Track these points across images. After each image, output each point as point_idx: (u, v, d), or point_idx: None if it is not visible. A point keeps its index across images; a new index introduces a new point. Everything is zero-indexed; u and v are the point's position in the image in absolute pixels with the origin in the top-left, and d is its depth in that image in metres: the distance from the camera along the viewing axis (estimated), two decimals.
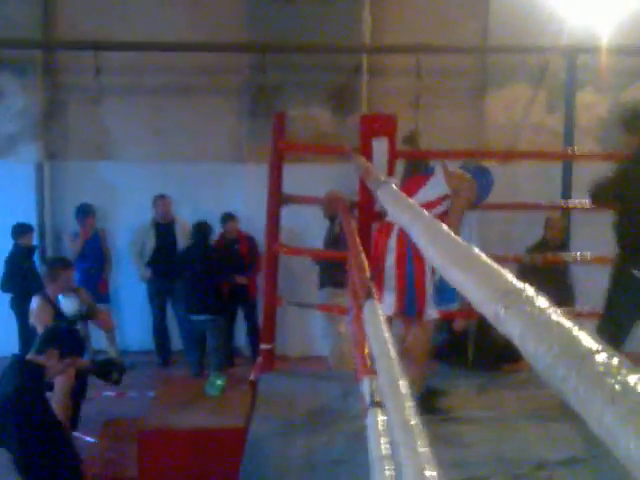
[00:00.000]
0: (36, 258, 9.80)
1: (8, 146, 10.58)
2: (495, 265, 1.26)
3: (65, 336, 4.84)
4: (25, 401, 4.49)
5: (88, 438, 6.35)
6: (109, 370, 5.66)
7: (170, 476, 4.95)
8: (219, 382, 5.62)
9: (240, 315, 10.16)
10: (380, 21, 10.49)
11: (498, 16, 10.39)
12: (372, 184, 3.69)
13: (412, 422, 1.57)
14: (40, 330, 6.18)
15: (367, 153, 5.43)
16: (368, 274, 3.23)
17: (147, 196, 10.15)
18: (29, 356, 4.69)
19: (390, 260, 4.63)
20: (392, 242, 4.64)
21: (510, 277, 1.17)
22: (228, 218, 9.92)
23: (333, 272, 7.41)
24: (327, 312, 7.41)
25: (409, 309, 4.66)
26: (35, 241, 9.88)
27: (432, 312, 4.74)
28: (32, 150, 10.62)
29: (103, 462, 5.42)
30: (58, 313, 6.35)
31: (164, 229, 10.11)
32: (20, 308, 8.41)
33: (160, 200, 10.11)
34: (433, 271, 4.51)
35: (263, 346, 5.85)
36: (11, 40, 10.22)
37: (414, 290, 4.62)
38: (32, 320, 6.43)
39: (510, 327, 1.05)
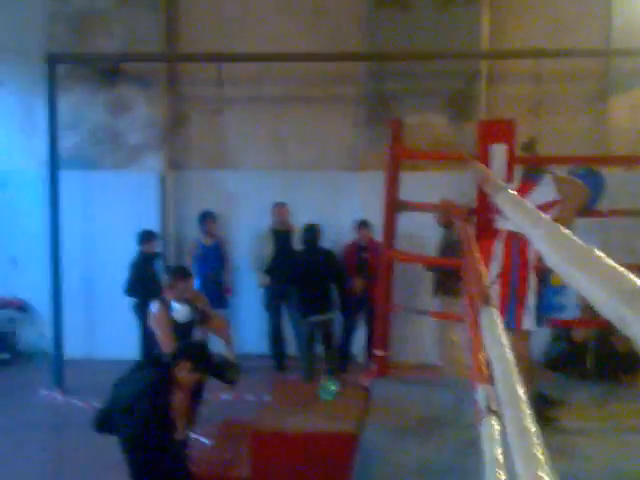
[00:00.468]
0: (159, 265, 10.08)
1: (133, 156, 10.93)
2: (620, 267, 1.23)
3: (198, 351, 4.96)
4: (150, 402, 4.61)
5: (204, 439, 6.48)
6: (225, 371, 5.76)
7: (282, 478, 5.00)
8: (333, 387, 5.65)
9: (360, 322, 10.17)
10: (499, 26, 10.36)
11: (621, 18, 10.10)
12: (491, 190, 3.64)
13: (530, 430, 1.54)
14: (158, 334, 6.35)
15: (485, 159, 5.36)
16: (486, 281, 3.19)
17: (266, 204, 10.32)
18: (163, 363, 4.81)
19: (494, 268, 4.55)
20: (498, 249, 4.56)
21: (636, 279, 1.13)
22: (361, 225, 9.98)
23: (447, 280, 7.34)
24: (441, 319, 7.34)
25: (508, 318, 4.57)
26: (158, 248, 10.17)
27: (530, 323, 4.62)
28: (156, 160, 10.95)
29: (218, 463, 5.51)
30: (175, 319, 6.50)
31: (282, 236, 10.24)
32: (142, 313, 8.65)
33: (278, 207, 10.26)
34: (538, 281, 4.40)
35: (376, 352, 5.84)
36: (136, 54, 10.57)
37: (515, 299, 4.53)
38: (150, 324, 6.60)
39: (637, 330, 1.02)
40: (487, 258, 4.62)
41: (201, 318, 6.57)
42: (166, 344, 6.32)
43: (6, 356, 10.75)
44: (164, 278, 6.69)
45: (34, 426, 8.52)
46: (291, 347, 10.29)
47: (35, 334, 10.98)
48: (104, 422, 4.85)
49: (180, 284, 6.46)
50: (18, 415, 8.82)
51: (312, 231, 9.31)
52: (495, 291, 4.55)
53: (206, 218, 10.37)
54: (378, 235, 7.63)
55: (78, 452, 7.49)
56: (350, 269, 9.82)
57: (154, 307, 6.50)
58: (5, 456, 7.68)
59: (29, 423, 8.59)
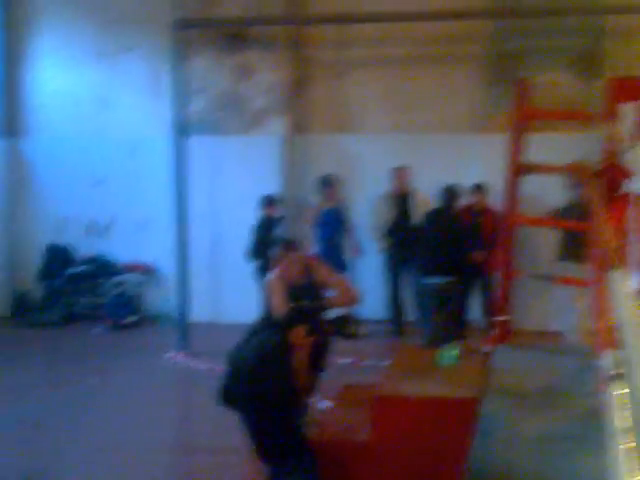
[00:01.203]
0: (281, 229, 10.17)
1: (257, 120, 11.05)
2: None
3: (311, 315, 4.98)
4: (270, 365, 4.65)
5: (324, 403, 6.53)
6: (345, 325, 5.76)
7: (402, 442, 4.97)
8: (453, 352, 5.57)
9: (476, 288, 10.02)
10: None
11: None
12: (620, 149, 3.48)
13: None
14: (274, 302, 6.39)
15: (613, 118, 5.14)
16: (615, 245, 3.06)
17: (386, 168, 10.24)
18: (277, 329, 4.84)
19: (625, 231, 4.36)
20: (628, 212, 4.37)
21: None
22: (476, 189, 9.80)
23: (573, 244, 7.12)
24: (566, 285, 7.12)
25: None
26: (280, 212, 10.25)
27: None
28: (279, 124, 11.03)
29: (338, 426, 5.54)
30: (292, 287, 6.51)
31: (402, 200, 10.16)
32: (263, 277, 8.76)
33: (399, 171, 10.17)
34: None
35: (497, 318, 5.74)
36: (261, 18, 10.64)
37: None
38: (268, 290, 6.65)
39: None
40: (616, 221, 4.44)
41: (320, 284, 6.54)
42: (280, 310, 6.35)
43: (134, 318, 11.12)
44: (273, 251, 6.68)
45: (159, 387, 8.79)
46: (411, 312, 10.23)
47: (161, 297, 11.30)
48: (229, 396, 4.91)
49: (288, 255, 6.45)
50: (144, 376, 9.12)
51: (450, 192, 9.16)
52: (625, 255, 4.37)
53: (327, 182, 10.38)
54: (498, 199, 7.45)
55: (202, 413, 7.67)
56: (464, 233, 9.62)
57: (271, 274, 6.56)
58: (131, 416, 7.95)
59: (155, 384, 8.86)
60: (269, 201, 9.96)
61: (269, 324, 5.01)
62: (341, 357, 8.71)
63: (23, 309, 11.52)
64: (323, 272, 6.54)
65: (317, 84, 11.01)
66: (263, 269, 9.09)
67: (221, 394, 4.95)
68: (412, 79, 10.65)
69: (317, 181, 10.44)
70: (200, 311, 10.49)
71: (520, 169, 6.04)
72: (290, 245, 6.59)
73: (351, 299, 6.36)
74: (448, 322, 8.98)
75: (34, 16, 11.48)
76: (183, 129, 9.85)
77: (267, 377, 4.61)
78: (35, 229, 11.68)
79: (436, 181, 9.91)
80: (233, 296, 10.88)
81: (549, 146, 8.86)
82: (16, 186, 11.71)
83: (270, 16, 10.67)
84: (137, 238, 11.43)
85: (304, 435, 4.79)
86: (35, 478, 6.42)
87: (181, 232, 9.86)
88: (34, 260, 11.55)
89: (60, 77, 11.53)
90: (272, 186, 10.52)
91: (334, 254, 9.89)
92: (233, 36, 10.92)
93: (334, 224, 10.31)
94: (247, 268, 9.80)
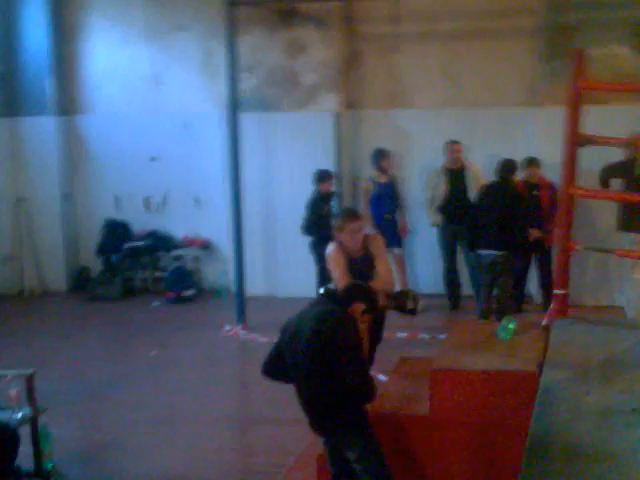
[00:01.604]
0: (335, 203, 10.22)
1: (309, 97, 11.09)
2: None
3: (368, 293, 5.00)
4: (329, 340, 4.70)
5: (382, 376, 6.60)
6: (404, 301, 5.78)
7: (460, 415, 5.01)
8: (511, 326, 5.59)
9: (534, 262, 9.98)
10: None
11: None
12: None
13: None
14: (335, 275, 6.44)
15: None
16: None
17: (439, 143, 10.22)
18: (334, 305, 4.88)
19: None
20: None
21: None
22: (530, 162, 9.73)
23: (633, 216, 7.05)
24: (626, 257, 7.05)
25: None
26: (334, 187, 10.30)
27: None
28: (331, 100, 11.07)
29: (397, 398, 5.60)
30: (351, 259, 6.53)
31: (455, 175, 10.14)
32: (318, 252, 8.85)
33: (452, 146, 10.15)
34: None
35: (556, 291, 5.72)
36: None
37: None
38: (328, 265, 6.69)
39: None
40: None
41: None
42: (340, 284, 6.38)
43: (191, 292, 11.29)
44: (334, 220, 6.68)
45: (218, 360, 8.95)
46: (466, 286, 10.24)
47: (218, 272, 11.45)
48: (277, 368, 4.95)
49: (349, 225, 6.45)
50: (202, 349, 9.28)
51: (506, 166, 9.12)
52: None
53: (380, 155, 10.40)
54: (555, 172, 7.40)
55: (260, 386, 7.79)
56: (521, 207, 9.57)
57: (329, 248, 6.58)
58: (191, 388, 8.11)
59: (213, 357, 9.02)
60: (323, 176, 10.01)
61: (328, 298, 5.04)
62: (398, 331, 8.78)
63: (83, 283, 11.77)
64: (377, 248, 6.56)
65: (369, 59, 11.00)
66: (317, 244, 9.16)
67: (269, 366, 4.98)
68: (465, 53, 10.60)
69: (371, 155, 10.47)
70: (256, 285, 10.63)
71: (578, 141, 5.99)
72: (352, 215, 6.60)
73: (384, 286, 6.32)
74: (504, 296, 8.98)
75: None
76: (236, 106, 9.93)
77: (329, 349, 4.64)
78: (93, 205, 11.90)
79: (490, 155, 9.89)
80: (288, 270, 10.99)
81: (606, 119, 8.77)
82: (74, 163, 11.93)
83: None
84: (192, 213, 11.59)
85: (362, 407, 4.84)
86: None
87: (236, 207, 9.96)
88: (93, 235, 11.78)
89: (114, 55, 11.67)
90: (325, 162, 10.57)
91: (388, 229, 9.93)
92: (285, 12, 10.94)
93: (388, 199, 10.34)
94: (302, 243, 9.88)
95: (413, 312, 5.87)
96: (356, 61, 11.03)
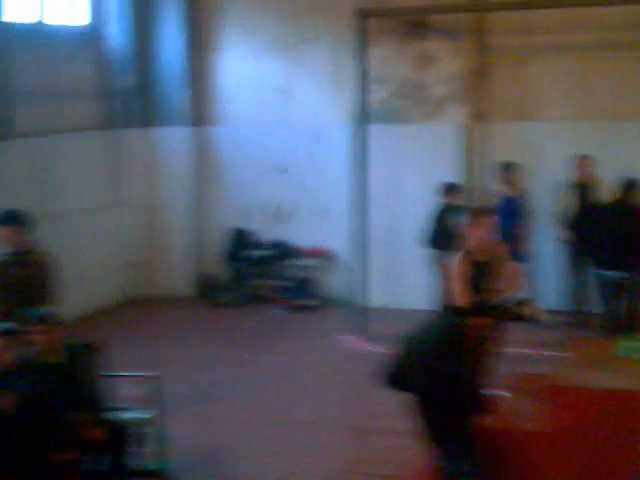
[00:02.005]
0: (460, 217, 10.09)
1: (437, 109, 11.04)
2: None
3: (499, 310, 4.96)
4: (449, 351, 4.65)
5: (500, 392, 6.46)
6: (521, 308, 5.68)
7: (579, 434, 4.88)
8: (634, 344, 5.40)
9: None
10: None
11: None
12: None
13: None
14: (456, 287, 6.36)
15: None
16: None
17: (568, 156, 9.99)
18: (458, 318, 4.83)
19: None
20: None
21: None
22: None
23: None
24: None
25: None
26: (461, 200, 10.17)
27: None
28: (459, 112, 10.97)
29: (514, 415, 5.48)
30: (477, 268, 6.43)
31: (584, 190, 9.86)
32: (439, 264, 8.76)
33: (581, 160, 9.89)
34: None
35: None
36: (441, 6, 10.59)
37: None
38: (449, 276, 6.61)
39: None
40: None
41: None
42: (462, 297, 6.30)
43: (314, 302, 11.37)
44: (464, 219, 6.60)
45: (335, 369, 8.98)
46: (593, 304, 9.91)
47: (341, 282, 11.50)
48: (398, 378, 4.93)
49: (485, 220, 6.38)
50: (321, 357, 9.35)
51: (628, 185, 8.86)
52: None
53: (507, 169, 10.25)
54: None
55: (376, 396, 7.75)
56: None
57: (454, 257, 6.51)
58: (305, 395, 8.17)
59: (330, 366, 9.07)
60: (449, 189, 9.92)
61: (449, 311, 5.01)
62: (521, 347, 8.58)
63: (208, 290, 12.04)
64: (502, 253, 6.46)
65: (498, 72, 10.86)
66: (440, 256, 9.08)
67: (390, 377, 4.97)
68: (598, 65, 10.31)
69: (498, 168, 10.31)
70: (377, 296, 10.61)
71: None
72: (488, 210, 6.54)
73: (515, 287, 6.23)
74: (628, 315, 8.68)
75: (221, 7, 11.92)
76: (364, 118, 9.95)
77: (446, 363, 4.61)
78: (221, 214, 12.16)
79: (622, 171, 9.56)
80: (409, 282, 10.92)
81: None
82: (204, 173, 12.23)
83: (452, 4, 10.60)
84: (317, 224, 11.68)
85: (475, 420, 4.77)
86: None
87: (360, 219, 9.98)
88: (220, 243, 12.04)
89: (246, 67, 11.91)
90: (451, 174, 10.49)
91: (513, 243, 9.73)
92: (414, 24, 10.92)
93: (514, 212, 10.13)
94: (423, 255, 9.81)
95: (534, 321, 5.75)
96: (485, 73, 10.90)
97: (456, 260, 6.45)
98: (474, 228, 6.41)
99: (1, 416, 5.19)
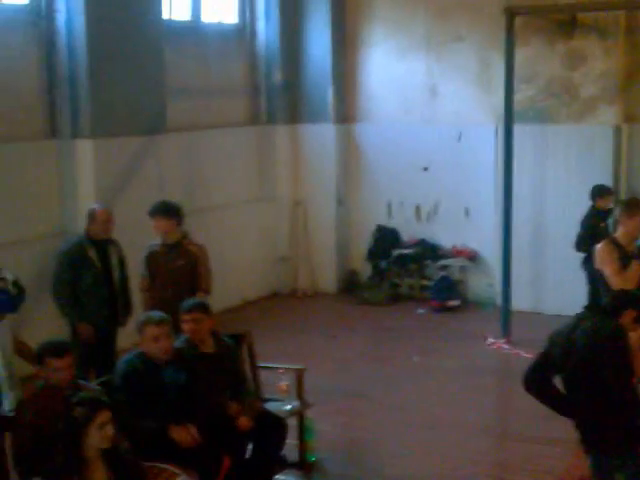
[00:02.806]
0: (611, 221, 9.84)
1: (587, 109, 10.76)
2: None
3: (638, 299, 4.83)
4: (605, 351, 4.55)
5: None
6: None
7: None
8: None
9: None
10: None
11: None
12: None
13: None
14: (606, 272, 6.22)
15: None
16: None
17: None
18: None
19: None
20: None
21: None
22: None
23: None
24: None
25: None
26: (612, 204, 9.90)
27: None
28: (610, 113, 10.67)
29: None
30: (625, 256, 6.32)
31: None
32: (591, 269, 8.54)
33: None
34: None
35: None
36: (593, 3, 10.32)
37: None
38: (598, 264, 6.50)
39: None
40: None
41: None
42: (615, 281, 6.20)
43: (456, 303, 11.31)
44: (617, 213, 6.51)
45: (478, 371, 8.91)
46: None
47: (484, 283, 11.40)
48: (540, 380, 4.86)
49: (638, 212, 6.28)
50: (464, 359, 9.29)
51: None
52: None
53: None
54: None
55: (520, 401, 7.66)
56: None
57: (601, 247, 6.43)
58: (450, 397, 8.17)
59: (474, 368, 8.99)
60: (601, 192, 9.65)
61: (597, 310, 4.88)
62: None
63: (352, 287, 12.17)
64: None
65: None
66: (591, 260, 8.86)
67: (535, 380, 4.89)
68: None
69: None
70: (522, 299, 10.46)
71: None
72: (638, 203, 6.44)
73: None
74: None
75: (367, 5, 11.99)
76: (511, 117, 9.82)
77: (602, 364, 4.52)
78: (365, 211, 12.25)
79: None
80: (556, 286, 10.70)
81: None
82: (349, 169, 12.35)
83: (602, 1, 10.31)
84: (461, 224, 11.60)
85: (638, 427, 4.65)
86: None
87: (506, 220, 9.87)
88: (364, 240, 12.14)
89: (392, 65, 11.92)
90: (602, 177, 10.20)
91: None
92: (564, 22, 10.69)
93: None
94: (573, 259, 9.60)
95: None
96: (637, 72, 10.56)
97: (603, 244, 6.41)
98: (628, 219, 6.32)
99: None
